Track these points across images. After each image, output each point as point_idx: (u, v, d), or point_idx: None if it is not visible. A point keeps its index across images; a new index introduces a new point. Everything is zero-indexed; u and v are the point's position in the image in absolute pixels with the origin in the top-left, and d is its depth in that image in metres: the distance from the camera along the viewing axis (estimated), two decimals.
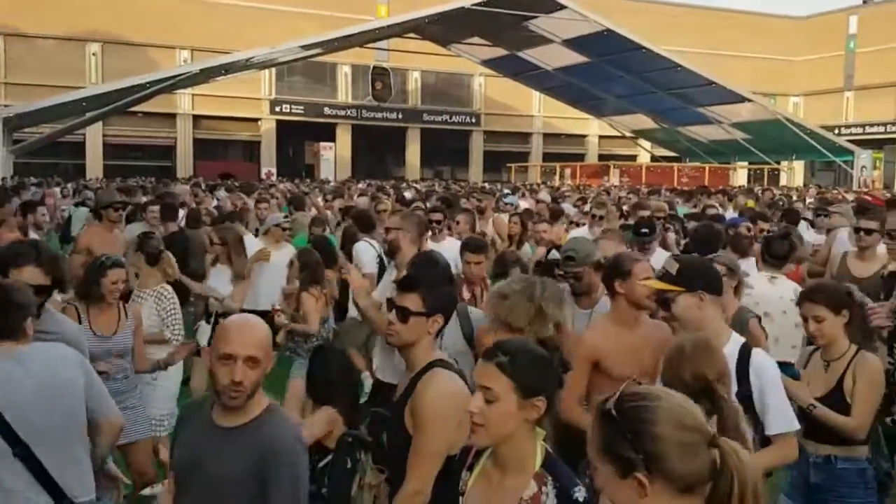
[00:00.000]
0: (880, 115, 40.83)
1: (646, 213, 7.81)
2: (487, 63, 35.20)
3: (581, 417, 3.24)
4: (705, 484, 1.41)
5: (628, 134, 39.59)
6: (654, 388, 1.56)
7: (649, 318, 3.39)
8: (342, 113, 39.42)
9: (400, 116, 40.46)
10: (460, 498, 2.07)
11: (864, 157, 32.66)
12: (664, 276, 2.92)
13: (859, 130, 40.72)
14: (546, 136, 43.55)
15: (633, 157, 41.86)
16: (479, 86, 41.78)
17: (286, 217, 8.18)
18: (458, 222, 7.30)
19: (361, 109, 39.53)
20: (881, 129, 40.75)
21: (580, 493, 1.96)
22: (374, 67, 38.20)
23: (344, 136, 39.38)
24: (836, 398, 3.17)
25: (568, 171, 35.27)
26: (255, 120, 38.03)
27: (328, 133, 38.70)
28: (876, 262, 4.79)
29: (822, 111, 42.21)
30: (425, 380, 2.62)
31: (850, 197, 14.85)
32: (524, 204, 12.08)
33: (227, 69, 27.34)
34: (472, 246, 4.74)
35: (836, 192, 20.77)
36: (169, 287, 4.76)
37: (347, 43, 29.32)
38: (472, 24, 28.26)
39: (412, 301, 2.69)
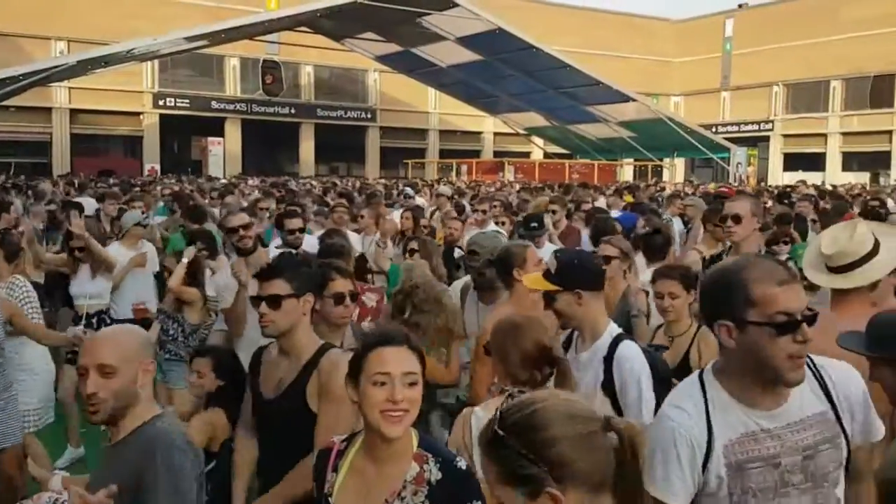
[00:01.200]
0: (754, 114, 43.46)
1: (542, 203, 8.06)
2: (382, 59, 35.02)
3: None
4: (612, 476, 1.36)
5: (522, 131, 40.41)
6: (531, 394, 1.50)
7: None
8: (231, 107, 38.20)
9: (293, 111, 39.66)
10: (329, 499, 2.01)
11: (739, 153, 34.61)
12: (545, 273, 2.98)
13: (735, 129, 43.17)
14: (442, 132, 43.84)
15: (527, 154, 42.77)
16: (373, 81, 41.54)
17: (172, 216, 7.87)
18: (362, 216, 7.22)
19: (251, 104, 38.46)
20: (755, 127, 43.39)
21: (462, 462, 2.00)
22: (265, 61, 37.27)
23: (233, 131, 38.23)
24: (685, 371, 3.33)
25: (464, 168, 35.67)
26: (137, 114, 36.35)
27: (216, 128, 37.48)
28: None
29: (700, 110, 44.46)
30: (333, 358, 2.64)
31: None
32: (419, 200, 12.10)
33: (106, 61, 26.03)
34: (325, 253, 4.36)
35: (702, 186, 22.11)
36: (21, 277, 4.69)
37: (235, 35, 28.45)
38: (365, 19, 28.01)
39: (278, 287, 2.70)
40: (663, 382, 2.86)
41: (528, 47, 28.28)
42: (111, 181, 19.19)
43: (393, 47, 32.25)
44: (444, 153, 42.16)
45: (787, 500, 1.82)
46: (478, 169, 35.35)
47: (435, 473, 1.95)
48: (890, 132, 38.31)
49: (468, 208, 10.34)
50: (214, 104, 37.72)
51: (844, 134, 40.49)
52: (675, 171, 39.04)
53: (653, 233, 5.43)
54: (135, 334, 2.26)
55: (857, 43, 37.56)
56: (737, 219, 4.11)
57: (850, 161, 40.44)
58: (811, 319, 1.74)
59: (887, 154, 38.28)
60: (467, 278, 4.50)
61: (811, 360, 1.86)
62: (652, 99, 36.44)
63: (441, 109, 42.61)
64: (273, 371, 2.80)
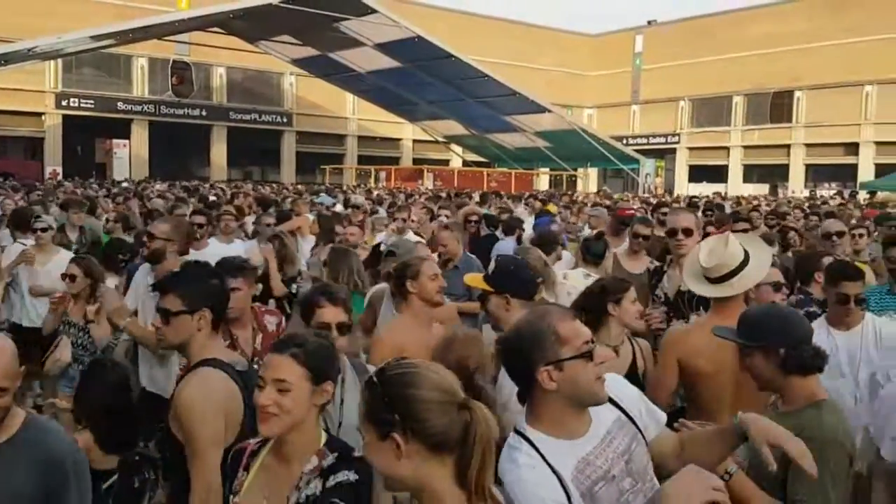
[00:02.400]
0: (662, 127, 45.09)
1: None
2: (298, 62, 34.52)
3: None
4: (456, 444, 1.56)
5: (441, 139, 40.60)
6: (415, 361, 1.68)
7: (440, 325, 3.58)
8: (138, 108, 36.73)
9: (204, 113, 38.51)
10: (231, 497, 2.10)
11: (648, 165, 35.94)
12: (485, 275, 3.20)
13: (644, 141, 44.68)
14: (361, 138, 43.51)
15: (447, 162, 42.98)
16: (290, 85, 40.83)
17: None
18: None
19: (160, 105, 37.12)
20: (663, 139, 45.01)
21: (359, 453, 2.07)
22: (174, 61, 36.12)
23: (140, 133, 36.81)
24: (633, 380, 3.37)
25: (383, 174, 35.60)
26: (39, 114, 34.56)
27: (122, 129, 36.00)
28: (644, 261, 5.37)
29: (612, 123, 45.80)
30: (185, 379, 2.58)
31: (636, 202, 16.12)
32: (339, 207, 11.97)
33: (6, 59, 24.86)
34: (224, 267, 4.06)
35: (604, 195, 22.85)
36: None
37: (143, 35, 27.50)
38: (280, 22, 27.54)
39: (170, 301, 2.66)
40: None
41: (446, 56, 28.47)
42: (9, 184, 18.10)
43: (310, 51, 31.83)
44: (362, 159, 41.88)
45: None
46: (397, 176, 35.33)
47: (330, 460, 2.05)
48: (788, 146, 40.41)
49: (383, 213, 10.30)
50: (121, 105, 36.24)
51: (746, 147, 42.46)
52: (587, 180, 40.07)
53: (595, 238, 5.55)
54: (8, 349, 2.25)
55: (757, 61, 39.51)
56: (688, 232, 4.17)
57: (751, 173, 42.46)
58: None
59: (785, 167, 40.36)
60: (383, 285, 4.38)
61: None
62: (566, 110, 37.31)
63: (360, 115, 42.31)
64: None
